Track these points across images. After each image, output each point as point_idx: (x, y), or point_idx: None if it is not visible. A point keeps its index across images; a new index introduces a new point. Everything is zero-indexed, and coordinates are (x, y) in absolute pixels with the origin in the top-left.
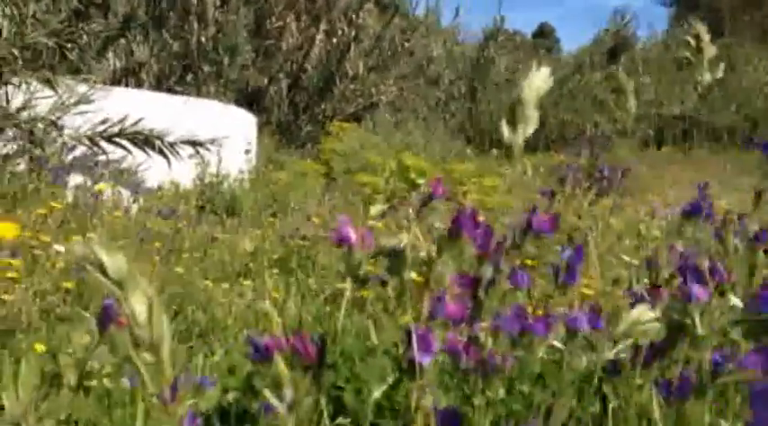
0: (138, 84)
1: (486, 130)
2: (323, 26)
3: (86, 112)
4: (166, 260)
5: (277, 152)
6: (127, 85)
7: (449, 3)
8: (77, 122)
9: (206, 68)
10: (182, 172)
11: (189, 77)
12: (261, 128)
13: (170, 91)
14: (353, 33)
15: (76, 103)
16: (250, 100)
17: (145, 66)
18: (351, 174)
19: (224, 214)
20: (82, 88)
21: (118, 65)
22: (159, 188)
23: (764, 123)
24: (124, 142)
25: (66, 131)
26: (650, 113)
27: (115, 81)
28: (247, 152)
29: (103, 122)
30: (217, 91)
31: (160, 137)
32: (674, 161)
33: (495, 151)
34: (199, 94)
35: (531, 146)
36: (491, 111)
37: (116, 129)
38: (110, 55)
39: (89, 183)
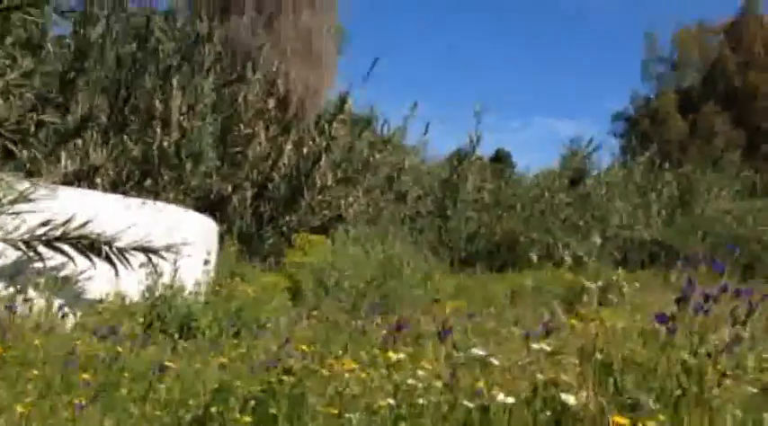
0: (92, 189)
1: (456, 248)
2: (293, 136)
3: (24, 213)
4: (94, 399)
5: (238, 263)
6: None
7: (416, 121)
8: (16, 223)
9: (167, 174)
10: (130, 282)
11: (148, 183)
12: (222, 237)
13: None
14: (325, 144)
15: (13, 202)
16: (212, 208)
17: (100, 170)
18: (322, 289)
19: (177, 334)
20: (23, 186)
21: (71, 167)
22: (101, 301)
23: (725, 249)
24: (65, 247)
25: None
26: (620, 236)
27: (66, 183)
28: (207, 262)
29: (44, 224)
30: (177, 198)
31: (108, 243)
32: (655, 284)
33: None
34: (157, 201)
35: (503, 264)
36: (461, 230)
37: (58, 233)
38: (63, 155)
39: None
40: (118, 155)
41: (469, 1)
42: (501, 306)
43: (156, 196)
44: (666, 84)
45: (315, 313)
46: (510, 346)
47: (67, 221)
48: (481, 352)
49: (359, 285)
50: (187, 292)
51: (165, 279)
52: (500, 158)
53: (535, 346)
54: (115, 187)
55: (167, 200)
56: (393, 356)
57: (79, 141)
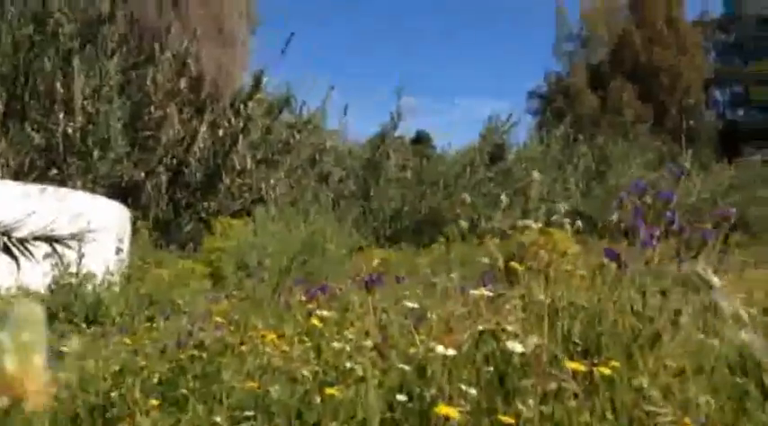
0: None
1: (381, 227)
2: (207, 117)
3: None
4: None
5: (155, 251)
6: None
7: (334, 105)
8: None
9: (73, 163)
10: (34, 275)
11: (53, 172)
12: (137, 225)
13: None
14: (241, 125)
15: None
16: (125, 196)
17: None
18: (244, 271)
19: (83, 322)
20: None
21: None
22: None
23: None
24: None
25: None
26: (541, 209)
27: None
28: (119, 251)
29: None
30: (85, 186)
31: (6, 233)
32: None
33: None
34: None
35: (429, 241)
36: (385, 208)
37: None
38: None
39: None
40: (19, 143)
41: None
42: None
43: (61, 185)
44: (577, 60)
45: (234, 293)
46: (446, 301)
47: None
48: (413, 305)
49: (282, 263)
50: (99, 280)
51: (73, 269)
52: (420, 140)
53: (475, 293)
54: (16, 178)
55: (75, 189)
56: (317, 322)
57: None
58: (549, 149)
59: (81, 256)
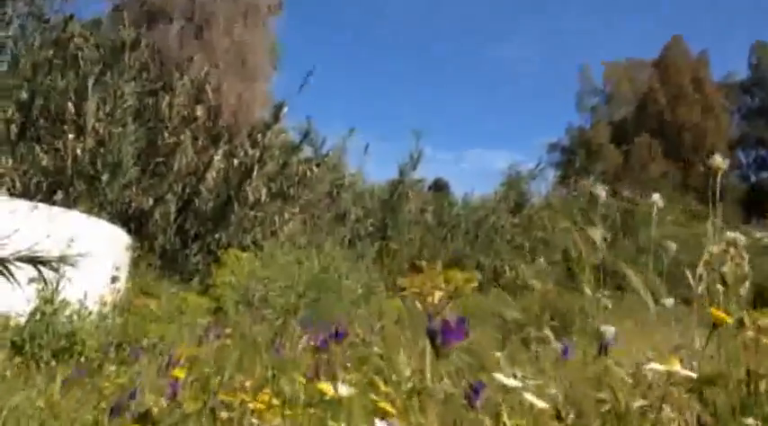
0: None
1: (399, 269)
2: (223, 147)
3: None
4: None
5: (157, 282)
6: None
7: (352, 147)
8: None
9: (80, 186)
10: (16, 299)
11: (59, 196)
12: (141, 255)
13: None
14: (258, 154)
15: None
16: (131, 223)
17: (2, 179)
18: (249, 307)
19: (53, 359)
20: None
21: None
22: None
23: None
24: None
25: None
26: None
27: None
28: (115, 279)
29: None
30: (91, 211)
31: None
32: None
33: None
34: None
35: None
36: (403, 250)
37: None
38: None
39: None
40: (26, 163)
41: (393, 27)
42: None
43: (66, 209)
44: (600, 115)
45: (228, 331)
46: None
47: None
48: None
49: (290, 300)
50: (79, 309)
51: (59, 296)
52: (439, 187)
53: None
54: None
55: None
56: (328, 390)
57: None
58: (576, 200)
59: (59, 280)
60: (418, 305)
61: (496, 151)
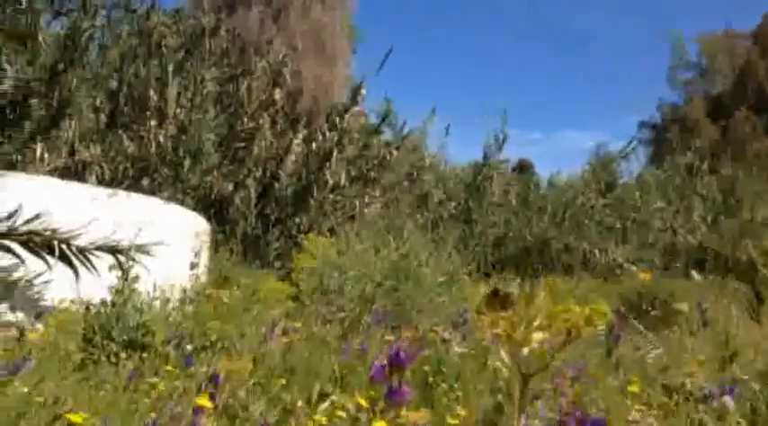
0: None
1: (483, 253)
2: (302, 130)
3: None
4: None
5: (238, 267)
6: None
7: (433, 128)
8: None
9: (163, 172)
10: (95, 288)
11: (145, 182)
12: (223, 240)
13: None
14: (336, 138)
15: None
16: (213, 208)
17: (92, 167)
18: (324, 295)
19: (123, 351)
20: None
21: (56, 161)
22: (60, 309)
23: None
24: (14, 245)
25: None
26: (660, 241)
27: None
28: (194, 265)
29: None
30: (174, 197)
31: (66, 241)
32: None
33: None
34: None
35: (534, 271)
36: (487, 234)
37: (4, 227)
38: (39, 147)
39: None
40: (112, 150)
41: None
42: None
43: (152, 195)
44: (694, 90)
45: (298, 324)
46: None
47: (12, 214)
48: None
49: (366, 289)
50: (151, 298)
51: (137, 285)
52: (523, 168)
53: None
54: (109, 186)
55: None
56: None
57: (68, 134)
58: (671, 178)
59: (129, 269)
60: (504, 356)
61: (582, 131)
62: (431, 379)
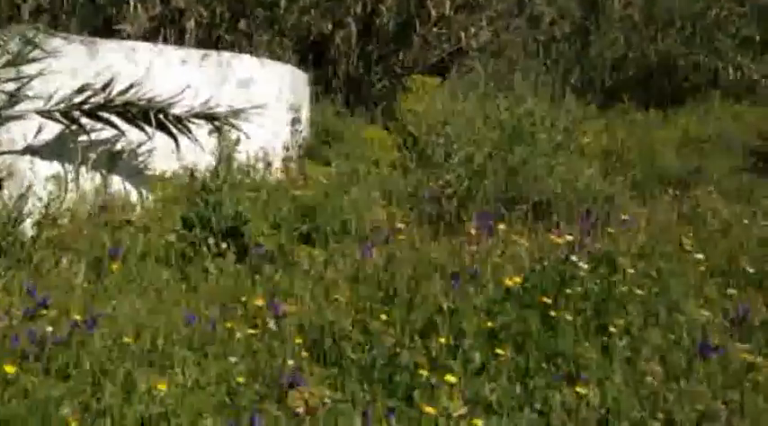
0: (180, 36)
1: (600, 78)
2: None
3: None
4: None
5: (338, 116)
6: (165, 38)
7: None
8: (50, 88)
9: (259, 13)
10: (199, 155)
11: (242, 25)
12: (325, 84)
13: (218, 42)
14: None
15: (29, 61)
16: (312, 51)
17: (187, 13)
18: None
19: (222, 242)
20: (56, 42)
21: (150, 12)
22: (164, 178)
23: None
24: (112, 117)
25: (26, 105)
26: None
27: (148, 34)
28: (295, 122)
29: (81, 90)
30: (272, 40)
31: (162, 110)
32: None
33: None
34: (251, 45)
35: (659, 97)
36: (605, 55)
37: (100, 99)
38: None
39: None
40: None
41: None
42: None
43: (249, 40)
44: None
45: (402, 225)
46: None
47: (107, 85)
48: None
49: (474, 157)
50: (257, 172)
51: (247, 148)
52: None
53: None
54: (209, 32)
55: (260, 45)
56: None
57: None
58: None
59: (228, 133)
60: None
61: None
62: None
